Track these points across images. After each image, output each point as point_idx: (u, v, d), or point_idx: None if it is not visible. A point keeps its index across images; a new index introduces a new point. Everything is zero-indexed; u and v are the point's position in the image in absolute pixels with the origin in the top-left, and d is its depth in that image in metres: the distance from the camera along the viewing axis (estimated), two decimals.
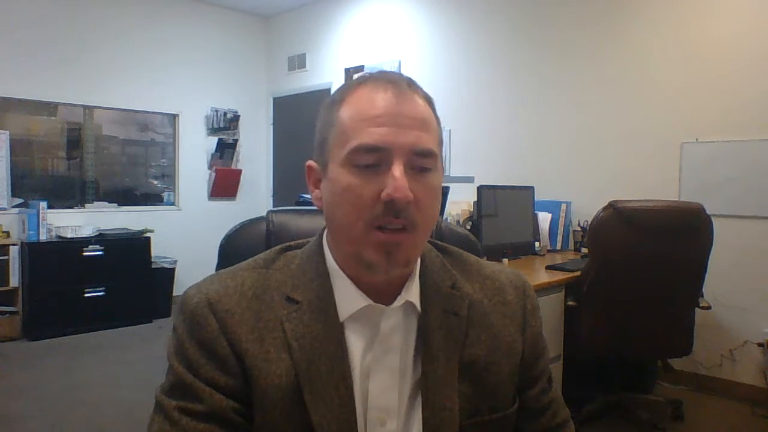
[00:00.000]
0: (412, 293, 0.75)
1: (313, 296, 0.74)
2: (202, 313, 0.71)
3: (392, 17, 4.95)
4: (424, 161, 0.69)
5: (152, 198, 5.58)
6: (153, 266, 4.89)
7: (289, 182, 5.79)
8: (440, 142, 0.74)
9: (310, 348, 0.71)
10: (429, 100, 0.75)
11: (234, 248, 0.99)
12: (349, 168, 0.69)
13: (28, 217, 4.37)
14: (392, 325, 0.74)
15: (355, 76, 0.75)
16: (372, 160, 0.68)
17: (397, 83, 0.72)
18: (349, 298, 0.73)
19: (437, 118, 0.76)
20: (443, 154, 0.78)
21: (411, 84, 0.73)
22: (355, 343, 0.73)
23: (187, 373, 0.69)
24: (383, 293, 0.73)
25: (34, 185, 4.85)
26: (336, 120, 0.72)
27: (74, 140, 5.10)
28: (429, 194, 0.70)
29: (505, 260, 2.99)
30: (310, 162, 0.77)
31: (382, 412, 0.72)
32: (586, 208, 3.43)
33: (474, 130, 4.37)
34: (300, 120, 5.68)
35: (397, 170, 0.67)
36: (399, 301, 0.74)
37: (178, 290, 4.97)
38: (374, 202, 0.67)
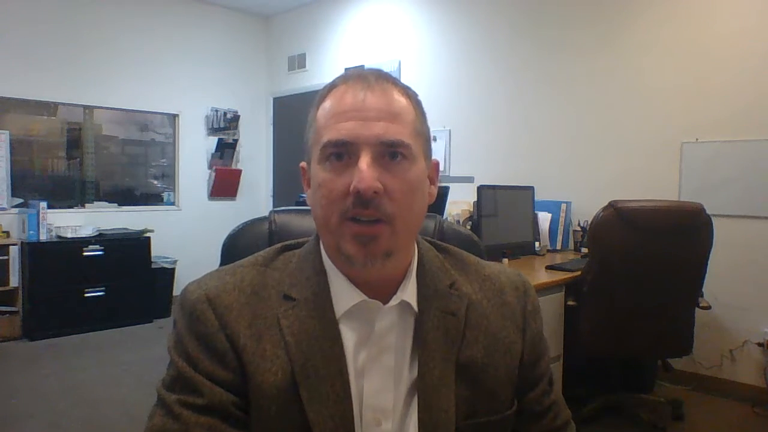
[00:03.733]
0: (409, 293, 0.75)
1: (310, 293, 0.74)
2: (202, 308, 0.71)
3: (392, 17, 4.95)
4: (393, 151, 0.69)
5: (152, 198, 5.58)
6: (153, 266, 4.89)
7: (289, 182, 5.79)
8: (419, 134, 0.73)
9: (306, 345, 0.71)
10: (407, 93, 0.75)
11: (237, 248, 1.00)
12: (323, 164, 0.70)
13: (28, 217, 4.37)
14: (387, 324, 0.73)
15: (335, 77, 0.76)
16: (340, 154, 0.69)
17: (367, 78, 0.72)
18: (344, 295, 0.73)
19: (419, 110, 0.75)
20: (434, 150, 0.78)
21: (383, 78, 0.73)
22: (349, 339, 0.73)
23: (188, 367, 0.70)
24: (379, 292, 0.73)
25: (34, 185, 4.84)
26: (313, 121, 0.74)
27: (74, 140, 5.09)
28: (403, 185, 0.69)
29: (505, 260, 2.98)
30: (303, 163, 0.79)
31: (377, 413, 0.72)
32: (586, 208, 3.43)
33: (474, 130, 4.37)
34: (300, 120, 5.61)
35: (363, 162, 0.67)
36: (394, 301, 0.73)
37: (178, 290, 4.96)
38: (345, 195, 0.68)
